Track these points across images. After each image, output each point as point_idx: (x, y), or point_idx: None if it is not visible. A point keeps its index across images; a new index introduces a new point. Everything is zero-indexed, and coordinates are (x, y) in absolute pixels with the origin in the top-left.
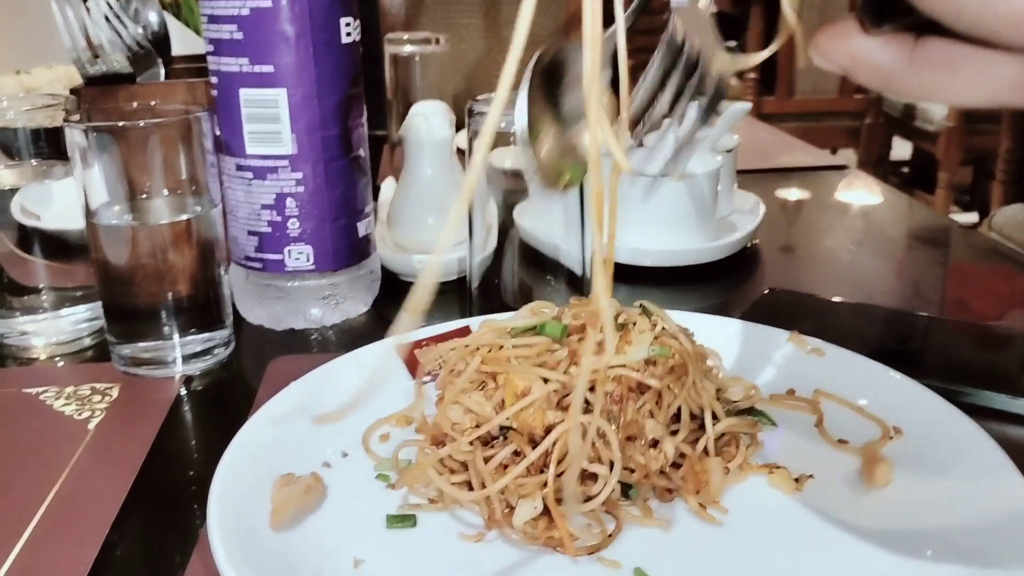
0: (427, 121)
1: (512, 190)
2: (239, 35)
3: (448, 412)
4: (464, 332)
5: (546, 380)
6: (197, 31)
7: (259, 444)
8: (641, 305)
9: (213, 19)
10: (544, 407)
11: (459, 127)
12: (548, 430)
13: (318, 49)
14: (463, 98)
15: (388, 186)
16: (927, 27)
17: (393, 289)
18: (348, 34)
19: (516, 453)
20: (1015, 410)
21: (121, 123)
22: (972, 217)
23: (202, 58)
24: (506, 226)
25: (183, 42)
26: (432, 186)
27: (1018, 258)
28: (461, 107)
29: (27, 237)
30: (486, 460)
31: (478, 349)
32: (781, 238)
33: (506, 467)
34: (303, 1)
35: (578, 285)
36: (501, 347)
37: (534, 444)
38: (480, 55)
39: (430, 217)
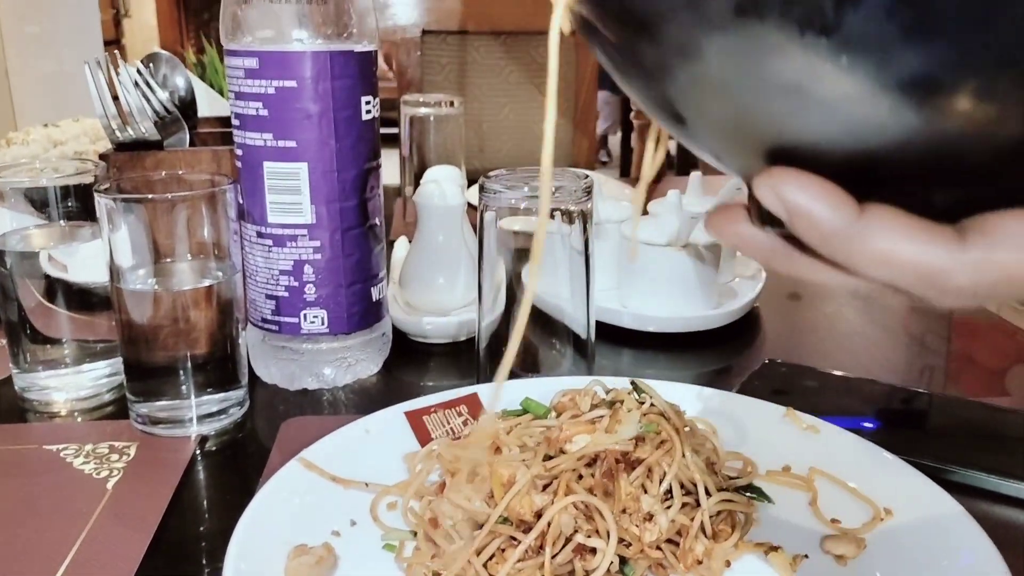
0: (440, 188)
1: (521, 250)
2: (264, 112)
3: (442, 507)
4: (472, 400)
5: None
6: (222, 92)
7: (270, 514)
8: (632, 382)
9: (240, 96)
10: (530, 491)
11: (471, 182)
12: (538, 513)
13: (339, 126)
14: (476, 154)
15: (401, 245)
16: None
17: (404, 349)
18: (368, 111)
19: (511, 538)
20: (1006, 492)
21: (151, 196)
22: None
23: (227, 120)
24: (513, 288)
25: (208, 103)
26: (443, 250)
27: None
28: (473, 163)
29: (52, 287)
30: (479, 552)
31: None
32: (782, 302)
33: (503, 550)
34: (327, 82)
35: (583, 349)
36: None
37: (525, 527)
38: (493, 113)
39: (440, 277)
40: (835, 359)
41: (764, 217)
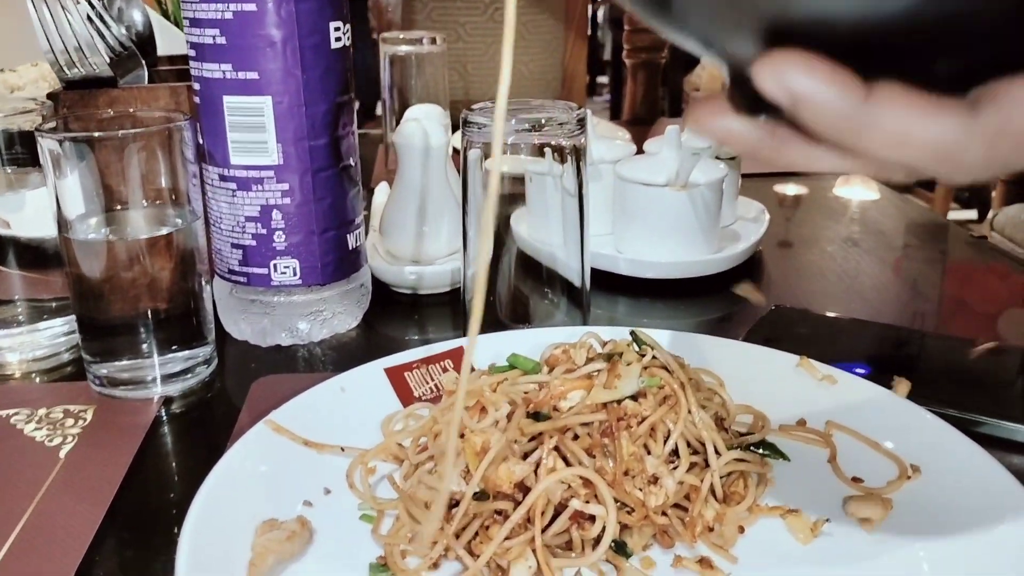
0: (421, 127)
1: (509, 195)
2: (222, 40)
3: (418, 492)
4: (458, 354)
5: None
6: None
7: (234, 483)
8: (632, 332)
9: (195, 23)
10: (508, 459)
11: (455, 128)
12: (520, 484)
13: (305, 55)
14: (460, 97)
15: (382, 191)
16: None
17: (385, 301)
18: (338, 39)
19: (496, 512)
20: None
21: (97, 133)
22: (971, 214)
23: (188, 59)
24: (502, 235)
25: (169, 40)
26: (426, 194)
27: (1014, 256)
28: (458, 107)
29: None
30: (458, 534)
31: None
32: (783, 244)
33: (487, 528)
34: (289, 4)
35: (577, 298)
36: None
37: (506, 496)
38: (479, 54)
39: (424, 226)
40: (839, 299)
41: (754, 106)
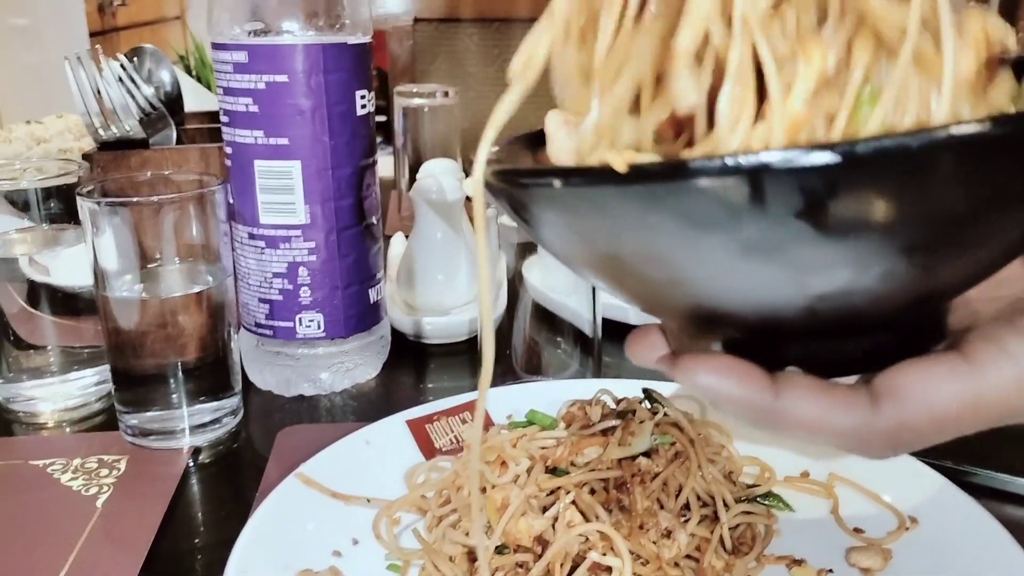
0: (438, 182)
1: (522, 245)
2: (255, 108)
3: (442, 545)
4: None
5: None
6: (209, 86)
7: (269, 535)
8: (645, 390)
9: (228, 91)
10: (527, 514)
11: (467, 173)
12: (539, 538)
13: (333, 122)
14: (472, 146)
15: (398, 242)
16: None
17: (403, 350)
18: (363, 106)
19: (519, 565)
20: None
21: (136, 198)
22: None
23: (215, 115)
24: (515, 285)
25: (195, 98)
26: (443, 247)
27: None
28: (469, 154)
29: (35, 291)
30: None
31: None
32: None
33: None
34: (319, 76)
35: (588, 347)
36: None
37: (525, 549)
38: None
39: (440, 276)
40: None
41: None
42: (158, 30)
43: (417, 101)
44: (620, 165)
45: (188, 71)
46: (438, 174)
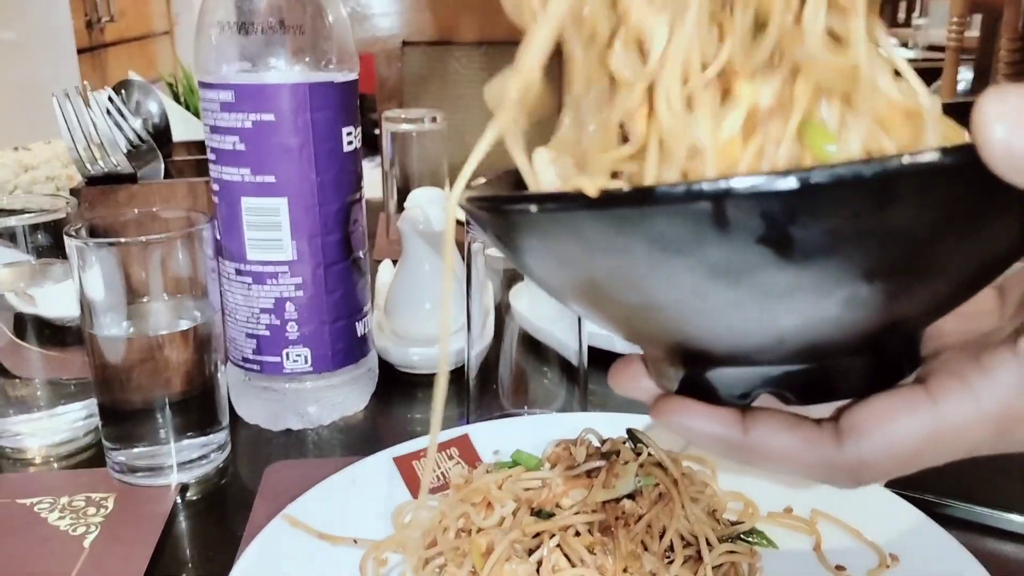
0: (425, 213)
1: (509, 272)
2: (242, 146)
3: None
4: (463, 442)
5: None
6: (196, 113)
7: None
8: (629, 431)
9: (216, 130)
10: (511, 558)
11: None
12: None
13: (320, 159)
14: (459, 167)
15: (386, 269)
16: None
17: (391, 381)
18: (349, 143)
19: None
20: (1006, 527)
21: (123, 240)
22: None
23: (202, 145)
24: (502, 314)
25: (183, 126)
26: (431, 279)
27: None
28: (457, 174)
29: (22, 323)
30: None
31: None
32: None
33: None
34: (306, 114)
35: (575, 377)
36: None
37: None
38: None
39: (428, 305)
40: None
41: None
42: (146, 46)
43: (405, 127)
44: (591, 190)
45: (176, 97)
46: (425, 204)
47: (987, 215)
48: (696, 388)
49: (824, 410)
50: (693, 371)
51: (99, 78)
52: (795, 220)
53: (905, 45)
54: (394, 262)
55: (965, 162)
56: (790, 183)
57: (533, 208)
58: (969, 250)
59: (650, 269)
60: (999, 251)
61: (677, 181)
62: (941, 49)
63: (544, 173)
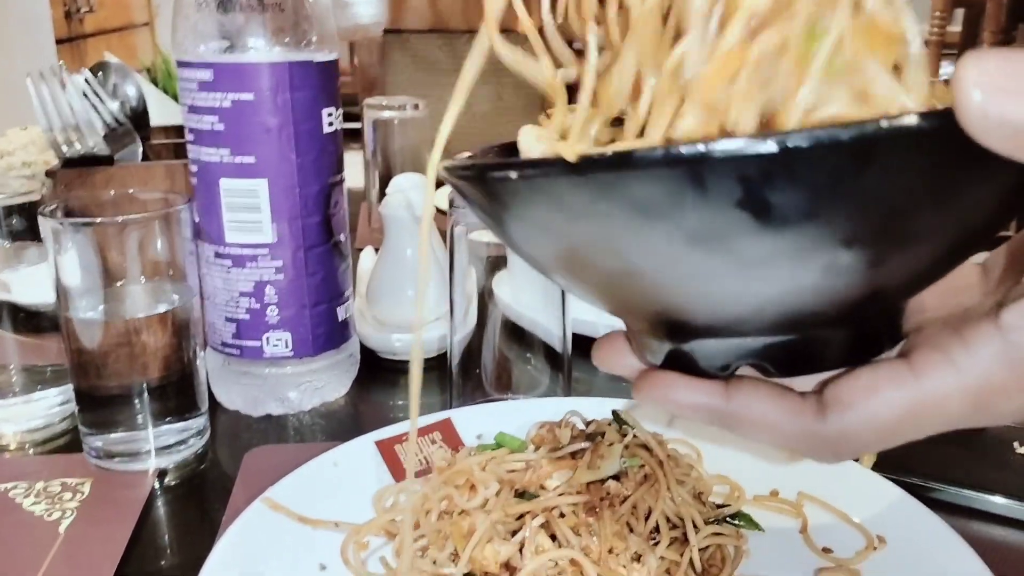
0: (407, 198)
1: (492, 259)
2: (220, 126)
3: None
4: (446, 425)
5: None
6: (175, 97)
7: (235, 562)
8: (614, 412)
9: (193, 109)
10: (494, 539)
11: (437, 185)
12: (507, 564)
13: (300, 140)
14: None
15: (368, 256)
16: None
17: (373, 368)
18: (330, 124)
19: None
20: (992, 510)
21: (99, 219)
22: None
23: (180, 129)
24: (486, 301)
25: (160, 109)
26: (413, 265)
27: None
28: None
29: None
30: None
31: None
32: None
33: None
34: (286, 94)
35: (559, 364)
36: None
37: None
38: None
39: (409, 290)
40: None
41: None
42: (126, 37)
43: (387, 114)
44: (571, 155)
45: (154, 82)
46: (407, 189)
47: (966, 182)
48: (677, 362)
49: (808, 383)
50: (674, 343)
51: (77, 68)
52: (773, 184)
53: None
54: (376, 250)
55: (944, 126)
56: (769, 147)
57: (513, 175)
58: (949, 218)
59: (629, 234)
60: (979, 221)
61: (655, 145)
62: (924, 43)
63: (532, 150)
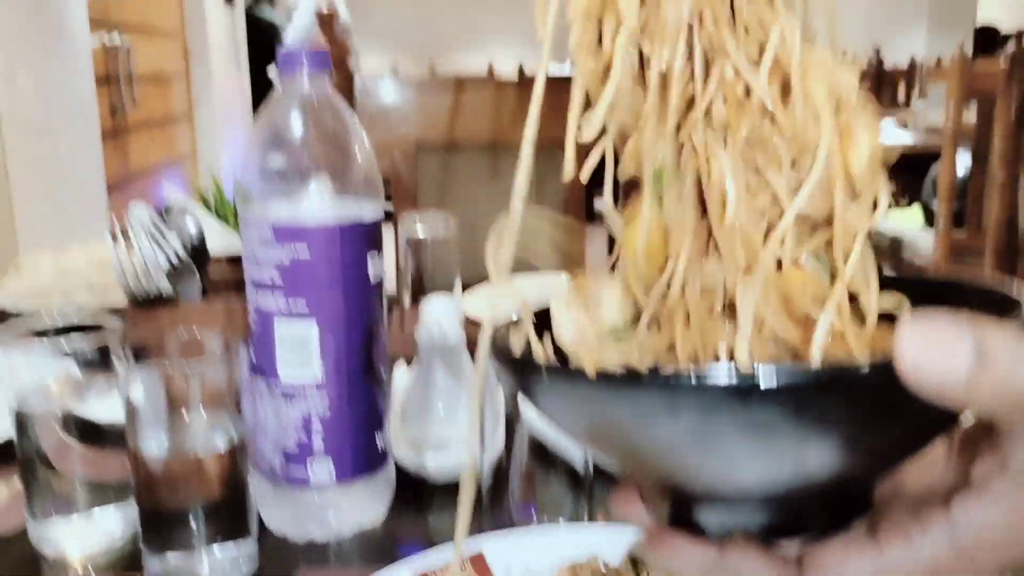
0: (439, 327)
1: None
2: (279, 280)
3: None
4: (478, 561)
5: None
6: (225, 218)
7: None
8: (631, 558)
9: (254, 260)
10: None
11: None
12: None
13: (348, 289)
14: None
15: (401, 374)
16: None
17: (407, 488)
18: (376, 275)
19: None
20: None
21: (167, 362)
22: None
23: (238, 260)
24: (512, 420)
25: (219, 239)
26: (445, 392)
27: None
28: (468, 273)
29: (65, 422)
30: None
31: None
32: None
33: None
34: (336, 250)
35: (581, 486)
36: None
37: None
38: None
39: (443, 414)
40: None
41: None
42: (167, 129)
43: (420, 233)
44: (590, 371)
45: (206, 204)
46: (439, 315)
47: (904, 413)
48: (680, 520)
49: (792, 547)
50: (678, 505)
51: (121, 161)
52: (738, 408)
53: (904, 126)
54: (408, 361)
55: (886, 375)
56: (753, 381)
57: (544, 378)
58: (890, 438)
59: (632, 429)
60: (918, 439)
61: (655, 369)
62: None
63: (562, 317)
